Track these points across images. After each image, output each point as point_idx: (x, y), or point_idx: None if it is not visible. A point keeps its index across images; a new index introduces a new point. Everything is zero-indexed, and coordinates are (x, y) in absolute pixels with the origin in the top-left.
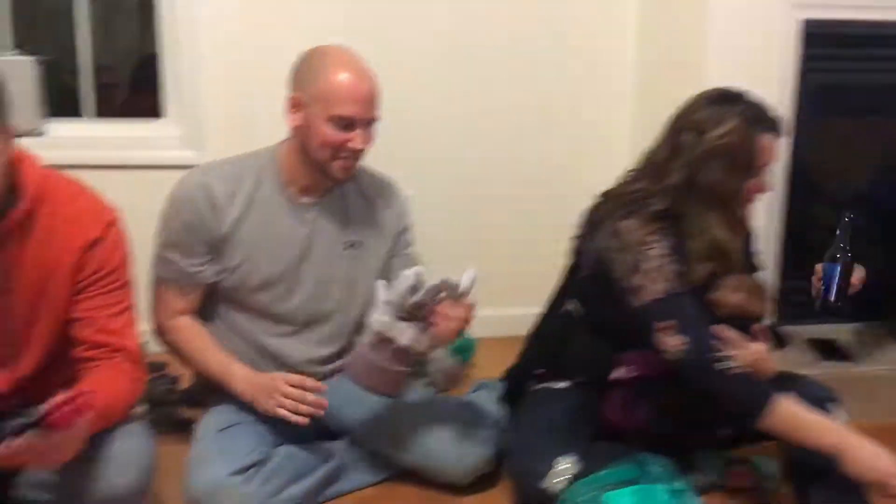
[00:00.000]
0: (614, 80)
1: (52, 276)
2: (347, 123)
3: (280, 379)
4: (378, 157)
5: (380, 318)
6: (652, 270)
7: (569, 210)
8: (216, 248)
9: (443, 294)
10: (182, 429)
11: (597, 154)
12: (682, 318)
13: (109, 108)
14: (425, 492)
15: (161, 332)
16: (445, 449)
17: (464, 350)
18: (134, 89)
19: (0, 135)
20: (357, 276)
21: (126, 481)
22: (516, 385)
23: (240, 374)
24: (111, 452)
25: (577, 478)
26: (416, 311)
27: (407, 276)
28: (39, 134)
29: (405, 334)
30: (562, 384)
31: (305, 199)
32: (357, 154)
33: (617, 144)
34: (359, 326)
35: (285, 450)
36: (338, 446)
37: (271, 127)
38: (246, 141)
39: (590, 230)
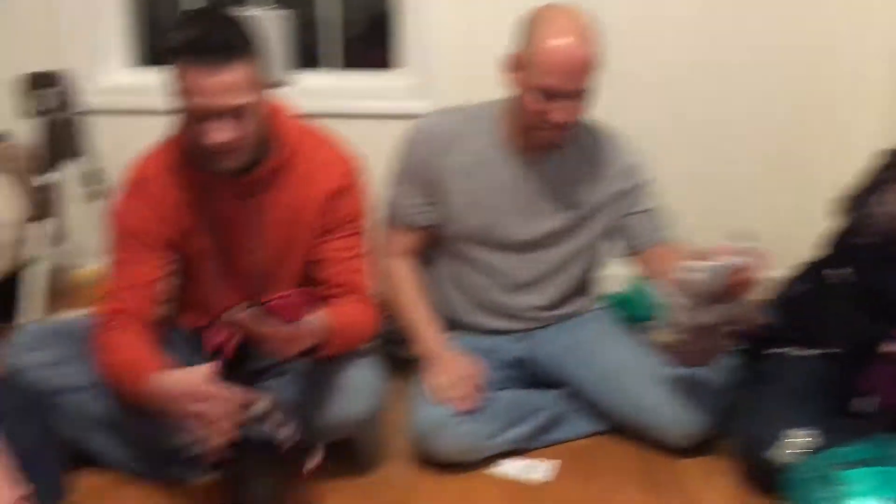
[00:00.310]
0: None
1: (299, 220)
2: (550, 94)
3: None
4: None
5: (688, 312)
6: None
7: (823, 168)
8: (436, 191)
9: (733, 267)
10: (407, 367)
11: (859, 104)
12: None
13: (344, 60)
14: (640, 450)
15: (383, 274)
16: (662, 409)
17: None
18: (366, 43)
19: (257, 87)
20: (577, 237)
21: (356, 409)
22: (755, 349)
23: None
24: (345, 381)
25: (810, 451)
26: (717, 293)
27: (701, 267)
28: (287, 84)
29: (714, 315)
30: (805, 352)
31: (524, 156)
32: (561, 126)
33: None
34: (581, 282)
35: (507, 394)
36: (557, 395)
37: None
38: (476, 94)
39: (871, 192)
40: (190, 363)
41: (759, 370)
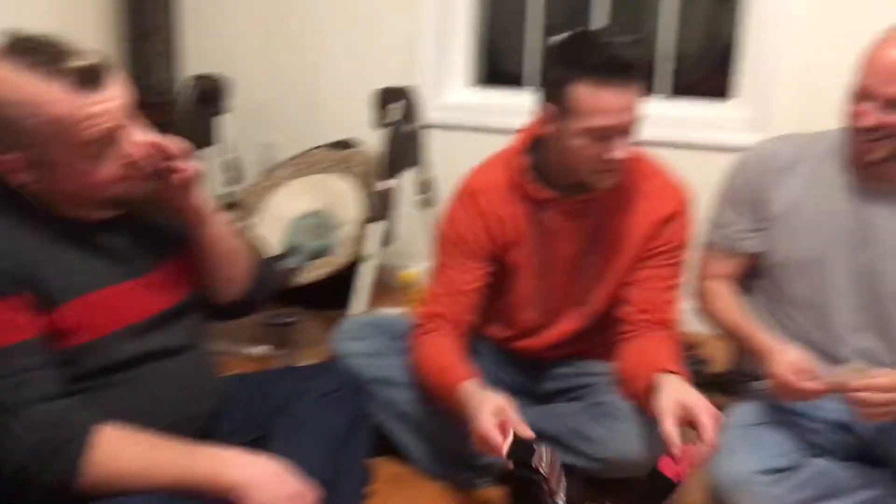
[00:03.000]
0: None
1: (624, 244)
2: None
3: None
4: None
5: None
6: None
7: None
8: (764, 214)
9: None
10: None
11: None
12: None
13: (680, 88)
14: None
15: (699, 294)
16: None
17: None
18: (706, 71)
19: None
20: None
21: (650, 446)
22: None
23: (781, 356)
24: (633, 414)
25: None
26: None
27: None
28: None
29: None
30: None
31: (862, 186)
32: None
33: None
34: None
35: (820, 463)
36: (880, 474)
37: (839, 113)
38: (812, 126)
39: None
40: (493, 372)
41: None
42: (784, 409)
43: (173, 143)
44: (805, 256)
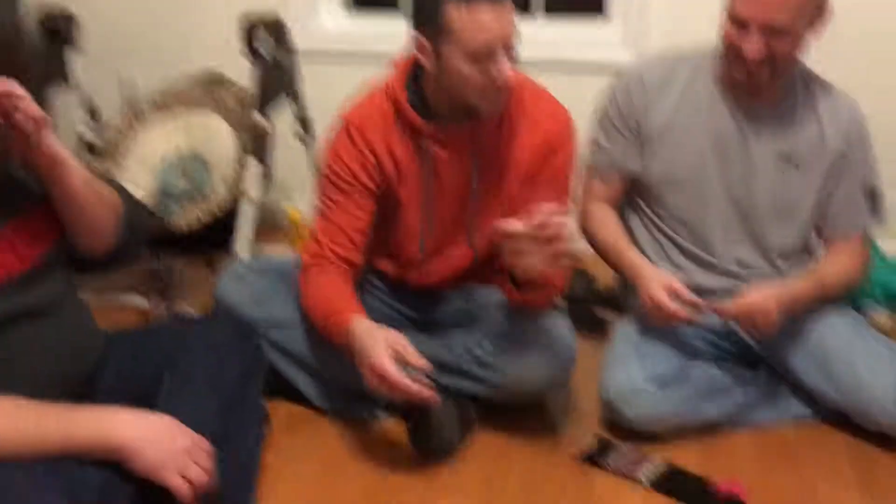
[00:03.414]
0: None
1: (510, 170)
2: (740, 22)
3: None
4: None
5: None
6: None
7: None
8: (641, 135)
9: None
10: (597, 328)
11: None
12: None
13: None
14: (854, 439)
15: (581, 218)
16: (882, 390)
17: None
18: None
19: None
20: (788, 196)
21: (551, 366)
22: None
23: (648, 276)
24: (535, 336)
25: None
26: None
27: None
28: None
29: None
30: None
31: (734, 100)
32: (752, 63)
33: None
34: (796, 246)
35: (704, 366)
36: (758, 374)
37: (712, 33)
38: (687, 42)
39: None
40: (385, 307)
41: None
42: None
43: (13, 84)
44: (681, 173)
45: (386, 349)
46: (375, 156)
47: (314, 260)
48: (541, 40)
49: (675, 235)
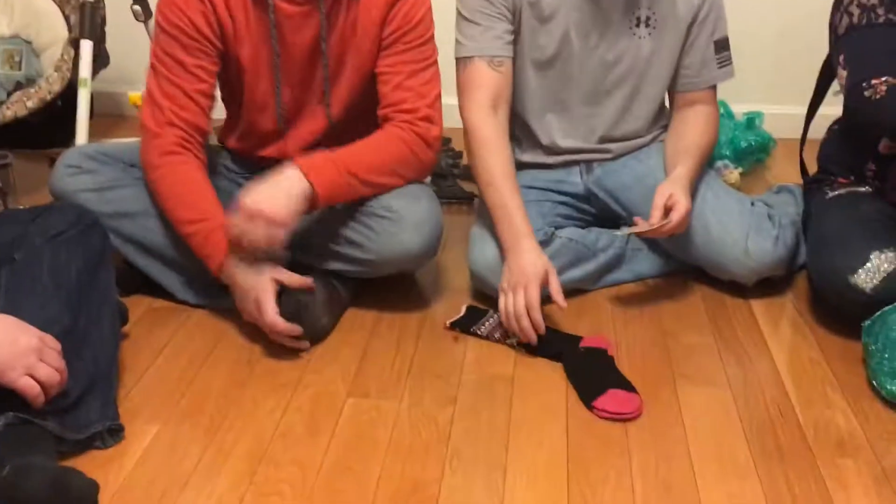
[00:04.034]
0: None
1: (359, 29)
2: None
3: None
4: None
5: None
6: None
7: None
8: (510, 17)
9: None
10: (462, 202)
11: None
12: (853, 51)
13: None
14: (709, 289)
15: (465, 134)
16: (732, 241)
17: (761, 150)
18: None
19: None
20: (647, 58)
21: (419, 241)
22: (818, 188)
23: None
24: (402, 213)
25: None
26: None
27: None
28: None
29: None
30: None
31: None
32: None
33: None
34: (651, 109)
35: (569, 232)
36: (620, 234)
37: None
38: None
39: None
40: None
41: (830, 205)
42: (532, 189)
43: None
44: (545, 53)
45: (272, 299)
46: (211, 6)
47: (160, 129)
48: None
49: (540, 121)
